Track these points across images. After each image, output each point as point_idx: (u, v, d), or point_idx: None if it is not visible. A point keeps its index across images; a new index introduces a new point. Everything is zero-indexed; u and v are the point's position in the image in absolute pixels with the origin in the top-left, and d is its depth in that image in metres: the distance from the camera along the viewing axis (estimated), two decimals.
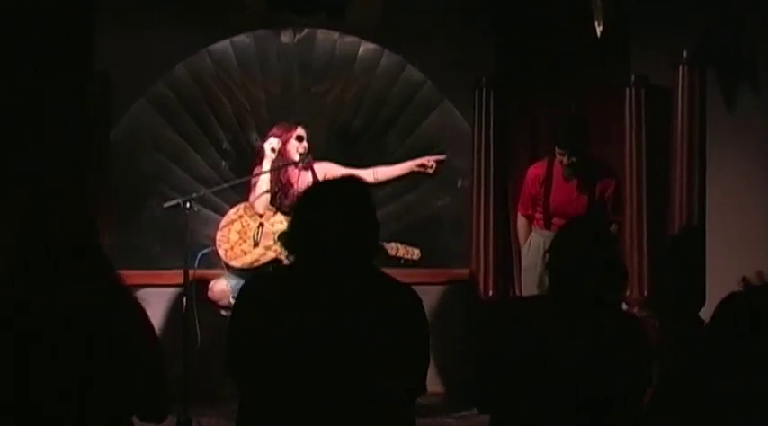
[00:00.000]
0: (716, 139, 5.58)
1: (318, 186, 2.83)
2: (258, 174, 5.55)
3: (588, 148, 5.63)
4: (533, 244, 5.70)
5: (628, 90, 5.72)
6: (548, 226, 5.62)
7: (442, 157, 5.84)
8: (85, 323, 2.57)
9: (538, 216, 5.71)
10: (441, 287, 6.19)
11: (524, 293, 5.77)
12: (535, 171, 5.74)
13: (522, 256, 5.84)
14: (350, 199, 2.62)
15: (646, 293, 5.68)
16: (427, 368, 2.70)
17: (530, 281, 5.61)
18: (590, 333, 2.82)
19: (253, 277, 2.83)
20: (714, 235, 5.53)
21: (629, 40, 5.85)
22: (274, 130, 5.62)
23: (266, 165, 5.53)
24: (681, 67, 5.60)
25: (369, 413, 2.56)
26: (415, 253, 5.42)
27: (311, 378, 2.53)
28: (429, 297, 5.87)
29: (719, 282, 5.20)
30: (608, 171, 5.71)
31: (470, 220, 6.09)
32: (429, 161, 5.78)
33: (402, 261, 5.37)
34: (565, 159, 5.51)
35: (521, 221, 5.86)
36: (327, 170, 5.69)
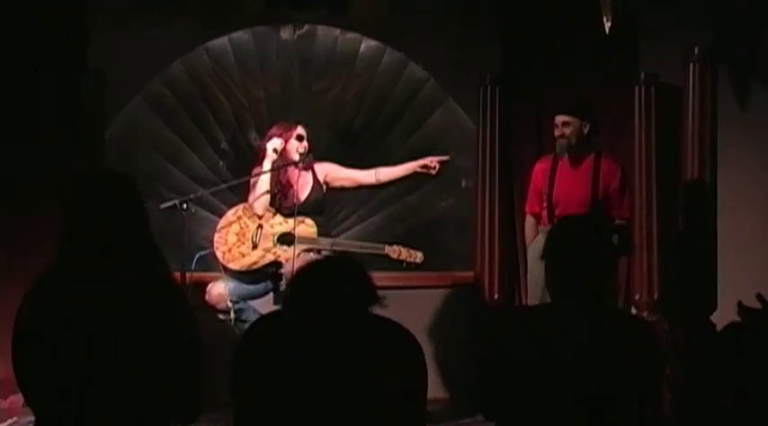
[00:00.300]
0: (727, 138, 5.57)
1: (311, 267, 2.87)
2: (258, 175, 5.47)
3: (588, 129, 5.46)
4: (539, 243, 5.61)
5: (637, 88, 5.65)
6: (552, 223, 5.53)
7: (445, 158, 5.75)
8: (87, 324, 2.55)
9: (545, 213, 5.62)
10: (444, 290, 6.11)
11: (530, 294, 5.71)
12: (541, 165, 5.67)
13: (528, 255, 5.78)
14: (344, 277, 2.66)
15: (656, 296, 5.61)
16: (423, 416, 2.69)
17: (534, 281, 5.53)
18: (589, 330, 2.78)
19: (253, 323, 2.95)
20: (725, 234, 5.52)
21: (639, 37, 5.80)
22: (274, 130, 5.54)
23: (267, 166, 5.45)
24: (692, 65, 5.54)
25: None
26: (418, 256, 5.41)
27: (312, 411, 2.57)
28: (432, 300, 5.84)
29: (730, 280, 5.27)
30: (611, 159, 5.54)
31: (475, 222, 6.02)
32: (432, 162, 5.68)
33: (404, 265, 5.37)
34: (558, 130, 5.38)
35: (528, 220, 5.79)
36: (328, 170, 5.64)
